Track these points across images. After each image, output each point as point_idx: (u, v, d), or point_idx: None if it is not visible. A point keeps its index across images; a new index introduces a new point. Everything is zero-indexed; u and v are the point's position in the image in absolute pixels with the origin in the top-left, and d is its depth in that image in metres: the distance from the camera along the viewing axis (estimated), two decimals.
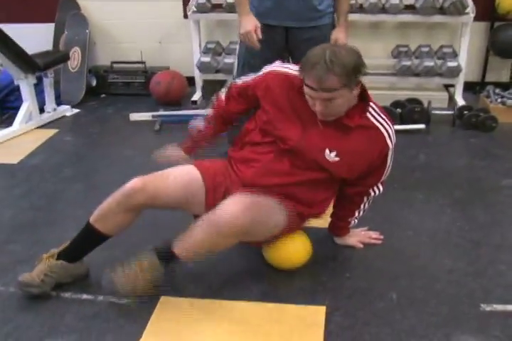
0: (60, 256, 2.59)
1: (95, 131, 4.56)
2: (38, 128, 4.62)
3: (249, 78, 2.70)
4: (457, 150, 4.16)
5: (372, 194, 2.70)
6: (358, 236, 2.93)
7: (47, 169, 3.88)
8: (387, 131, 2.47)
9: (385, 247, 2.89)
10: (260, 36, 3.11)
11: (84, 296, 2.57)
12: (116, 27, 5.44)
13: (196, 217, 2.60)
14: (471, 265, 2.73)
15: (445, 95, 5.01)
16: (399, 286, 2.59)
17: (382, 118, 2.48)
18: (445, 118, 4.53)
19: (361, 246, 2.89)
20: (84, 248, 2.66)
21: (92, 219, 2.63)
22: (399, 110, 4.45)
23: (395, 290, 2.55)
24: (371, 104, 2.47)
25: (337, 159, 2.45)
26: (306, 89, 2.33)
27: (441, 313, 2.42)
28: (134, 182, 2.63)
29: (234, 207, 2.35)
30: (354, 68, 2.25)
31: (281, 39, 3.22)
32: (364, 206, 2.76)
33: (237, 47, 3.37)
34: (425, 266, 2.74)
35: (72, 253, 2.62)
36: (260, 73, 2.66)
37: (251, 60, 3.26)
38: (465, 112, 4.50)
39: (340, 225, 2.87)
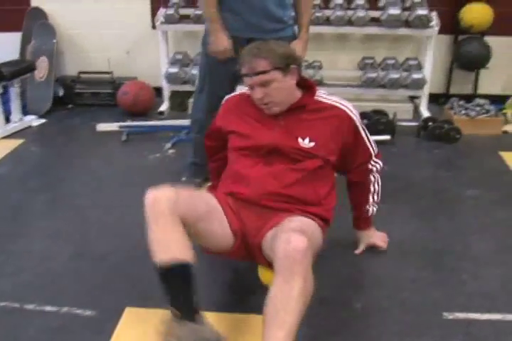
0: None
1: (62, 141, 4.54)
2: (3, 138, 4.58)
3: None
4: (422, 161, 4.21)
5: (374, 169, 2.72)
6: (382, 237, 2.96)
7: (12, 179, 3.85)
8: (345, 106, 2.56)
9: (351, 257, 2.90)
10: (232, 54, 3.15)
11: (48, 308, 2.53)
12: (83, 37, 5.42)
13: (208, 251, 2.55)
14: (435, 274, 2.76)
15: (410, 107, 5.07)
16: (364, 296, 2.61)
17: (334, 99, 2.58)
18: (410, 129, 4.59)
19: (385, 246, 2.93)
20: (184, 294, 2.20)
21: (159, 260, 2.18)
22: (365, 121, 4.49)
23: (360, 300, 2.57)
24: (318, 90, 2.58)
25: (312, 144, 2.48)
26: (244, 80, 2.48)
27: (405, 322, 2.44)
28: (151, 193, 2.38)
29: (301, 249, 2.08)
30: (283, 53, 2.43)
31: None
32: (374, 187, 2.77)
33: (200, 58, 3.37)
34: (390, 275, 2.77)
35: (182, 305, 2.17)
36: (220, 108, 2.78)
37: (213, 71, 3.28)
38: (429, 124, 4.57)
39: (360, 216, 2.86)
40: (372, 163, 2.71)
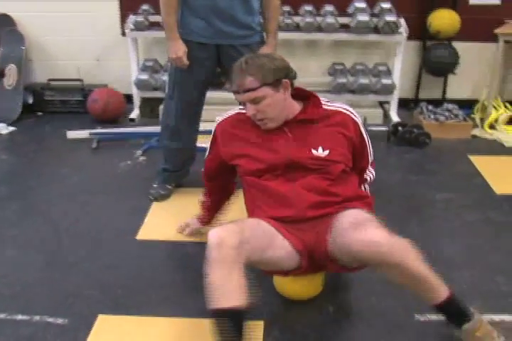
0: None
1: (31, 149, 4.49)
2: None
3: (206, 154, 2.76)
4: (392, 165, 4.24)
5: (368, 179, 2.69)
6: None
7: None
8: (348, 110, 2.53)
9: None
10: (187, 62, 3.18)
11: (20, 317, 2.52)
12: (53, 44, 5.38)
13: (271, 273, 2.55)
14: None
15: (380, 112, 5.11)
16: (335, 299, 2.63)
17: (337, 104, 2.55)
18: (380, 134, 4.62)
19: None
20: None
21: (215, 306, 2.11)
22: None
23: (332, 303, 2.58)
24: (321, 98, 2.54)
25: (327, 152, 2.43)
26: (235, 97, 2.43)
27: (378, 324, 2.47)
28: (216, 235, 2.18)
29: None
30: (273, 69, 2.36)
31: (213, 56, 3.25)
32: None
33: (169, 65, 3.38)
34: (361, 278, 2.77)
35: None
36: (211, 139, 2.68)
37: (181, 78, 3.29)
38: (399, 128, 4.62)
39: None
40: (367, 172, 2.68)
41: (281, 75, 2.37)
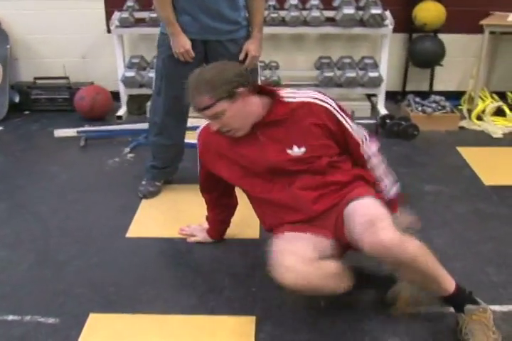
0: None
1: (19, 148, 4.47)
2: None
3: (199, 167, 2.75)
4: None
5: (366, 156, 2.56)
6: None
7: None
8: (313, 97, 2.43)
9: None
10: (193, 54, 3.18)
11: (11, 317, 2.52)
12: (38, 42, 5.34)
13: None
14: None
15: (368, 105, 5.11)
16: None
17: (302, 94, 2.45)
18: (368, 127, 4.55)
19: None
20: None
21: None
22: None
23: (323, 297, 2.57)
24: (281, 92, 2.44)
25: (303, 149, 2.40)
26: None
27: (369, 318, 2.47)
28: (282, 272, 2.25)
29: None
30: (224, 82, 2.30)
31: (200, 52, 3.24)
32: (379, 172, 2.60)
33: (155, 61, 3.37)
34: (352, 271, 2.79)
35: None
36: (198, 152, 2.67)
37: (170, 74, 3.27)
38: (387, 121, 4.62)
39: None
40: (365, 150, 2.54)
41: (234, 85, 2.32)
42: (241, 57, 3.25)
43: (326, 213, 2.42)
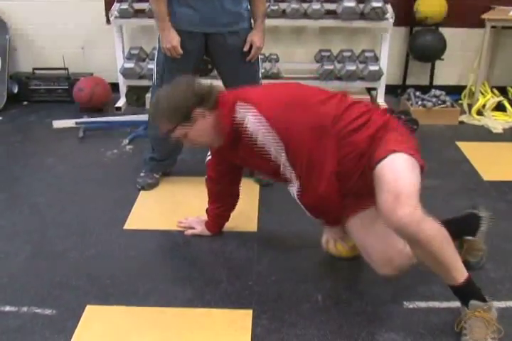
0: None
1: (17, 139, 4.45)
2: None
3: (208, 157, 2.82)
4: None
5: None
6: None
7: None
8: (245, 121, 2.35)
9: (309, 249, 2.91)
10: (181, 51, 3.18)
11: (8, 308, 2.51)
12: (37, 32, 5.32)
13: None
14: None
15: (367, 98, 5.08)
16: (324, 288, 2.63)
17: (243, 118, 2.37)
18: None
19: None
20: None
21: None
22: None
23: (320, 292, 2.58)
24: (223, 110, 2.44)
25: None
26: None
27: (366, 313, 2.47)
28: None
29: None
30: (176, 109, 2.40)
31: (201, 45, 3.24)
32: None
33: (156, 53, 3.36)
34: (348, 267, 2.79)
35: None
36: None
37: (171, 67, 3.26)
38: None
39: None
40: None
41: (189, 109, 2.40)
42: (246, 48, 3.26)
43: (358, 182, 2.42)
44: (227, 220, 3.03)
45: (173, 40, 3.15)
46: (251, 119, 2.32)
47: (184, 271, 2.78)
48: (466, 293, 2.31)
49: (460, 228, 2.71)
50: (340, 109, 2.38)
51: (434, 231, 2.16)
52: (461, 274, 2.26)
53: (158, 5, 3.11)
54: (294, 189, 2.42)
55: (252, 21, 3.31)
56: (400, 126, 2.47)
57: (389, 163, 2.24)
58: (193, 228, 3.07)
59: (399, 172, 2.23)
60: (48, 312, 2.48)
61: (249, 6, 3.26)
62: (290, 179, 2.40)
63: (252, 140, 2.36)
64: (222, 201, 2.94)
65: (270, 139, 2.31)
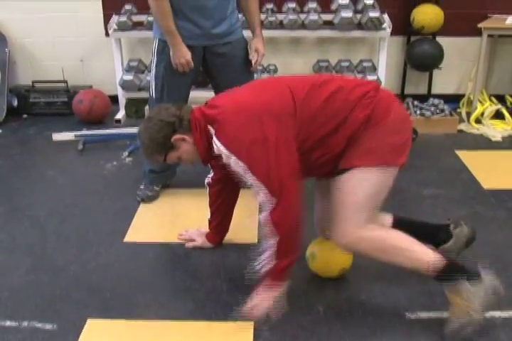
0: None
1: (17, 152, 4.46)
2: None
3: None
4: None
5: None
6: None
7: None
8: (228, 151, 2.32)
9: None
10: (193, 65, 3.21)
11: (8, 323, 2.51)
12: (36, 45, 5.34)
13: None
14: (395, 274, 2.76)
15: None
16: (324, 299, 2.63)
17: (222, 145, 2.34)
18: None
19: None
20: None
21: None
22: None
23: (321, 303, 2.58)
24: (195, 135, 2.45)
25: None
26: None
27: (368, 323, 2.46)
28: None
29: None
30: (156, 142, 2.46)
31: (200, 58, 3.27)
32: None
33: (153, 67, 3.34)
34: (350, 277, 2.79)
35: None
36: None
37: (171, 80, 3.27)
38: None
39: None
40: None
41: (164, 140, 2.44)
42: (251, 56, 3.32)
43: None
44: (227, 230, 3.02)
45: (187, 54, 3.17)
46: (216, 144, 2.35)
47: (185, 284, 2.78)
48: (449, 279, 2.35)
49: (424, 234, 2.69)
50: (311, 109, 2.35)
51: (368, 247, 2.39)
52: (433, 268, 2.35)
53: (167, 21, 3.10)
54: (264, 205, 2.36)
55: (251, 30, 3.38)
56: (388, 115, 2.38)
57: (346, 180, 2.37)
58: (193, 240, 3.08)
59: (349, 194, 2.37)
60: (48, 326, 2.48)
61: (239, 17, 3.33)
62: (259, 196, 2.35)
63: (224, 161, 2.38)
64: (223, 212, 2.95)
65: (232, 161, 2.32)
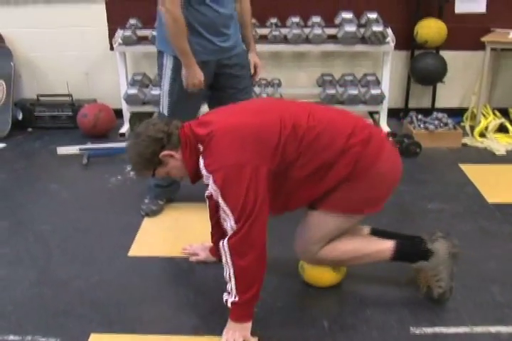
0: None
1: (21, 165, 4.47)
2: None
3: None
4: None
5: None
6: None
7: None
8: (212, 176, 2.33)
9: None
10: (203, 85, 3.26)
11: (11, 337, 2.50)
12: (41, 59, 5.37)
13: None
14: (399, 289, 2.76)
15: (370, 122, 5.11)
16: (329, 313, 2.62)
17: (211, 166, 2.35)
18: None
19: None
20: None
21: None
22: None
23: (326, 318, 2.57)
24: (185, 153, 2.46)
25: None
26: None
27: (372, 338, 2.45)
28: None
29: None
30: (144, 158, 2.48)
31: (212, 72, 3.29)
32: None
33: (166, 84, 3.32)
34: (354, 292, 2.78)
35: None
36: None
37: (186, 98, 3.28)
38: (390, 138, 4.61)
39: None
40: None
41: (152, 156, 2.46)
42: (253, 71, 3.49)
43: None
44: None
45: (201, 75, 3.19)
46: (200, 163, 2.38)
47: (189, 298, 2.77)
48: (404, 259, 2.66)
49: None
50: (293, 150, 2.37)
51: (337, 261, 2.66)
52: (386, 254, 2.64)
53: (184, 42, 3.10)
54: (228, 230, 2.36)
55: (245, 44, 3.46)
56: (370, 170, 2.45)
57: (313, 216, 2.56)
58: (197, 255, 3.07)
59: (313, 227, 2.57)
60: (52, 340, 2.47)
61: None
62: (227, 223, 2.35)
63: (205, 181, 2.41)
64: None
65: (210, 182, 2.33)
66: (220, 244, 2.34)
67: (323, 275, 2.77)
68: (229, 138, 2.32)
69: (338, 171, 2.40)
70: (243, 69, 3.41)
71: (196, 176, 2.49)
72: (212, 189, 2.32)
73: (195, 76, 3.18)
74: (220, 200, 2.30)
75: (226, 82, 3.37)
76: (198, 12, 3.10)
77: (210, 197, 2.81)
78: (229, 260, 2.32)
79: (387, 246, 2.64)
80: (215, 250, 3.00)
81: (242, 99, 3.24)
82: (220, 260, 2.85)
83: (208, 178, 2.33)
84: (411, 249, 2.66)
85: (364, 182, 2.45)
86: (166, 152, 2.44)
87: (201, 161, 2.36)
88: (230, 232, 2.31)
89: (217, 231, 2.92)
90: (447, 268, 2.62)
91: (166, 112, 3.35)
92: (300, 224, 2.64)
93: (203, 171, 2.34)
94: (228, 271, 2.35)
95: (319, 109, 2.53)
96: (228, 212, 2.29)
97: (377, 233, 2.82)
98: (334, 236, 2.58)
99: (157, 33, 3.36)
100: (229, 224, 2.30)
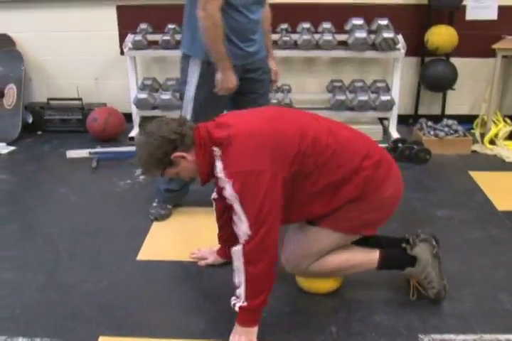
0: None
1: (31, 168, 4.49)
2: None
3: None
4: None
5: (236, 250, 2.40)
6: None
7: None
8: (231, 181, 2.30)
9: None
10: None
11: (20, 340, 2.50)
12: (52, 63, 5.39)
13: None
14: (408, 296, 2.75)
15: (379, 128, 5.11)
16: (337, 319, 2.61)
17: (224, 176, 2.32)
18: None
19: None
20: None
21: None
22: None
23: (334, 324, 2.56)
24: (199, 155, 2.43)
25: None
26: None
27: None
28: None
29: None
30: (156, 158, 2.43)
31: (238, 77, 3.27)
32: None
33: (191, 89, 3.29)
34: (362, 298, 2.77)
35: None
36: None
37: (213, 103, 3.29)
38: (399, 145, 4.60)
39: None
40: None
41: (164, 156, 2.41)
42: (274, 77, 3.55)
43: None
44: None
45: (235, 80, 3.21)
46: (217, 166, 2.34)
47: (197, 302, 2.77)
48: (391, 268, 2.70)
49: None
50: (309, 164, 2.38)
51: (328, 272, 2.66)
52: (372, 265, 2.67)
53: (219, 46, 3.10)
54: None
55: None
56: (376, 193, 2.49)
57: (311, 231, 2.57)
58: (205, 259, 3.07)
59: (308, 242, 2.58)
60: None
61: None
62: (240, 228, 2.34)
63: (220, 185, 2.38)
64: (230, 226, 2.92)
65: (227, 186, 2.30)
66: (233, 249, 2.34)
67: (318, 284, 2.81)
68: (248, 143, 2.31)
69: (348, 192, 2.42)
70: (265, 74, 3.44)
71: (208, 178, 2.47)
72: (228, 193, 2.30)
73: (230, 80, 3.19)
74: (237, 205, 2.29)
75: (249, 86, 3.37)
76: (231, 18, 3.10)
77: (217, 199, 2.83)
78: (241, 266, 2.32)
79: (373, 257, 2.66)
80: (222, 251, 3.00)
81: (262, 104, 3.27)
82: (228, 261, 2.86)
83: (223, 182, 2.31)
84: (395, 259, 2.70)
85: (369, 203, 2.48)
86: (178, 153, 2.40)
87: (218, 164, 2.33)
88: (243, 238, 2.30)
89: (225, 233, 2.93)
90: (434, 269, 2.67)
91: (189, 117, 3.33)
92: (291, 237, 2.65)
93: (220, 174, 2.31)
94: (239, 277, 2.34)
95: (338, 127, 2.53)
96: (243, 217, 2.28)
97: (361, 240, 2.75)
98: (328, 252, 2.59)
99: (185, 37, 3.32)
100: (242, 229, 2.29)
